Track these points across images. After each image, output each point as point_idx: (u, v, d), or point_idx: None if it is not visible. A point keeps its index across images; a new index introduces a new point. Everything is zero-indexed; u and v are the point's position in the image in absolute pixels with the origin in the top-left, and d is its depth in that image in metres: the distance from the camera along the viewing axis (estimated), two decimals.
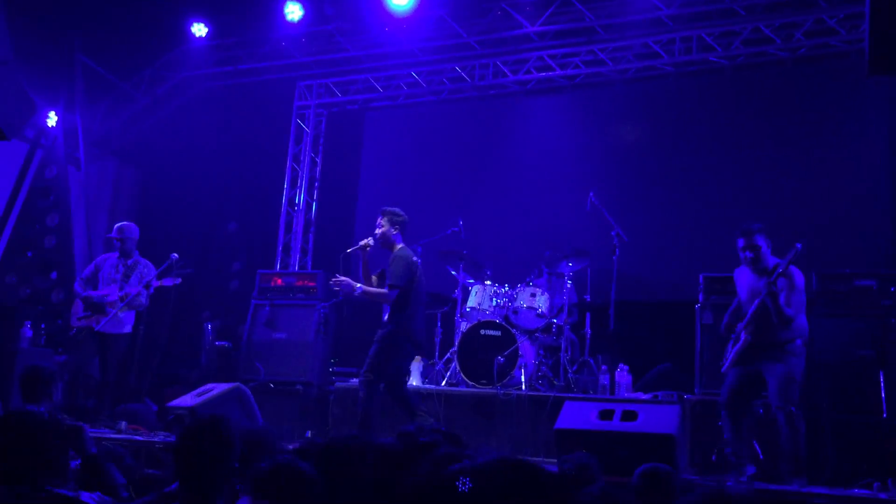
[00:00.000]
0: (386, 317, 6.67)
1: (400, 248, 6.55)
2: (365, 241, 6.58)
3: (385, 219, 6.60)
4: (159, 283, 7.13)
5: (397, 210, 6.67)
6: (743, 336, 5.66)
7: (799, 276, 5.61)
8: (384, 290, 6.40)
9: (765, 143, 9.15)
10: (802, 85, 9.15)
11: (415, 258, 6.58)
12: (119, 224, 7.65)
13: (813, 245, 5.58)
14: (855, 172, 8.68)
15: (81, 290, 7.42)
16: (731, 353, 5.75)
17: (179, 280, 7.17)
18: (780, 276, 5.43)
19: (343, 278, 6.43)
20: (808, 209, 8.56)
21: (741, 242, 5.72)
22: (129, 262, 7.45)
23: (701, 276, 7.24)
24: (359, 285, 6.45)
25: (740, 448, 5.69)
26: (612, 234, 7.77)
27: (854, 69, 8.10)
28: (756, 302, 5.60)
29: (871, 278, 6.57)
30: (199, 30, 10.79)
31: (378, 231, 6.59)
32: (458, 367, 7.56)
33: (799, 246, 5.37)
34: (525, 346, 7.51)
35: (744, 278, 5.86)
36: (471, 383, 7.37)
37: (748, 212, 8.71)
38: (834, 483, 5.75)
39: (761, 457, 5.80)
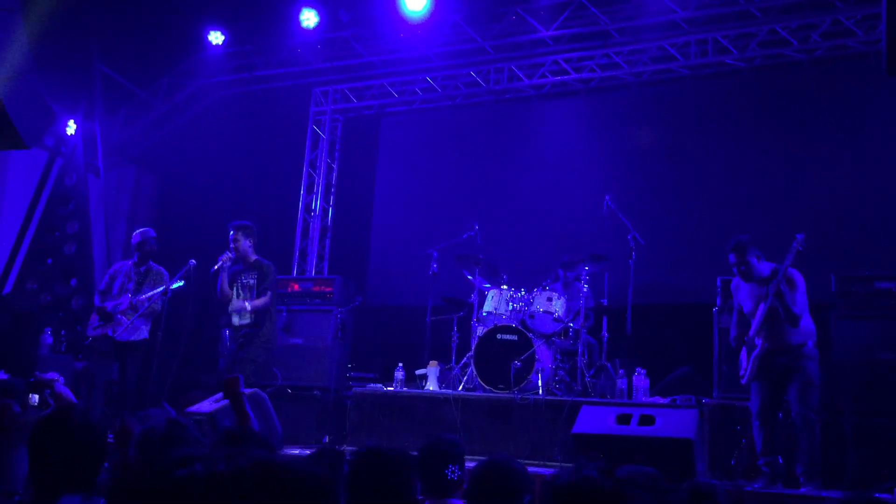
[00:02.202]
0: (249, 321, 7.04)
1: (260, 258, 7.21)
2: (226, 256, 7.00)
3: (240, 233, 7.10)
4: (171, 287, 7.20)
5: (248, 223, 7.23)
6: (759, 343, 5.65)
7: (799, 277, 5.67)
8: (265, 299, 6.96)
9: (781, 145, 9.09)
10: (820, 86, 9.08)
11: None
12: (140, 229, 7.73)
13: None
14: (873, 174, 8.60)
15: (99, 303, 7.50)
16: (749, 362, 5.72)
17: (182, 283, 7.23)
18: (783, 274, 5.52)
19: (237, 302, 6.98)
20: (826, 211, 8.49)
21: (732, 258, 5.78)
22: (142, 269, 7.50)
23: (718, 280, 7.21)
24: (247, 303, 6.96)
25: (774, 459, 5.65)
26: (629, 237, 7.74)
27: (872, 70, 8.02)
28: (763, 306, 5.61)
29: (891, 280, 6.52)
30: (216, 37, 10.87)
31: (234, 245, 7.07)
32: (474, 372, 7.55)
33: (795, 243, 5.46)
34: (542, 351, 7.49)
35: (743, 289, 5.89)
36: (488, 388, 7.36)
37: (765, 214, 8.68)
38: (854, 486, 5.70)
39: (780, 461, 5.75)
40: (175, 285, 7.20)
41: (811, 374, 5.60)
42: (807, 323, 5.68)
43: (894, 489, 5.40)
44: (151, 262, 7.58)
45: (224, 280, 7.03)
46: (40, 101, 5.72)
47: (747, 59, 9.25)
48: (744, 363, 5.82)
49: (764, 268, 5.77)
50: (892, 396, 6.10)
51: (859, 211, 8.35)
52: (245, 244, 7.11)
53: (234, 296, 7.11)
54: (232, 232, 7.11)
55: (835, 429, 5.96)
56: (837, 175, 8.74)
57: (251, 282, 7.12)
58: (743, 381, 5.85)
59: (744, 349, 5.87)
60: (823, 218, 8.41)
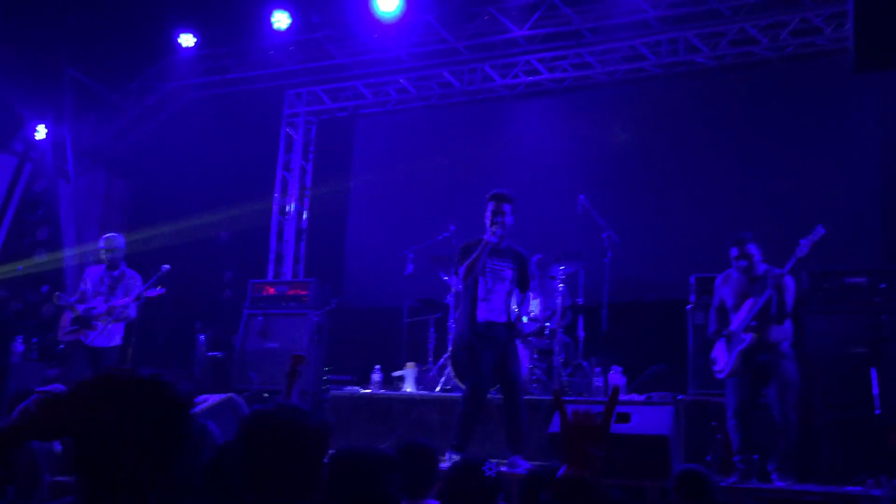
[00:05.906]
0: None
1: (511, 243, 6.02)
2: (493, 232, 5.72)
3: (511, 205, 5.79)
4: (146, 294, 7.12)
5: (513, 194, 5.94)
6: (747, 338, 5.69)
7: (791, 280, 5.70)
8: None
9: (753, 142, 9.17)
10: (790, 84, 9.18)
11: None
12: (106, 235, 7.61)
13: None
14: (844, 170, 8.70)
15: (68, 300, 7.36)
16: (731, 357, 5.75)
17: (163, 290, 7.15)
18: (791, 267, 5.60)
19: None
20: (797, 207, 8.57)
21: (734, 252, 5.81)
22: (115, 273, 7.40)
23: (692, 277, 7.26)
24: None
25: (749, 456, 5.70)
26: (604, 236, 7.76)
27: (841, 66, 8.11)
28: (752, 301, 5.65)
29: (862, 275, 6.60)
30: (187, 40, 10.78)
31: (501, 219, 5.74)
32: (452, 373, 7.54)
33: (813, 234, 5.51)
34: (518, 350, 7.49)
35: (731, 284, 5.93)
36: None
37: (738, 211, 8.76)
38: (828, 480, 5.76)
39: (755, 458, 5.80)
40: (154, 294, 7.13)
41: (789, 372, 5.66)
42: (788, 324, 5.75)
43: (867, 482, 5.46)
44: (125, 266, 7.49)
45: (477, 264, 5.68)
46: (8, 105, 5.65)
47: (718, 58, 9.32)
48: (723, 357, 5.85)
49: (762, 266, 5.83)
50: (864, 391, 6.17)
51: (829, 207, 8.42)
52: (510, 220, 5.77)
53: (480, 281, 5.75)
54: (497, 203, 5.73)
55: (808, 423, 6.01)
56: (808, 171, 8.84)
57: (507, 272, 5.89)
58: (721, 376, 5.88)
59: (719, 344, 5.91)
60: (794, 214, 8.49)
